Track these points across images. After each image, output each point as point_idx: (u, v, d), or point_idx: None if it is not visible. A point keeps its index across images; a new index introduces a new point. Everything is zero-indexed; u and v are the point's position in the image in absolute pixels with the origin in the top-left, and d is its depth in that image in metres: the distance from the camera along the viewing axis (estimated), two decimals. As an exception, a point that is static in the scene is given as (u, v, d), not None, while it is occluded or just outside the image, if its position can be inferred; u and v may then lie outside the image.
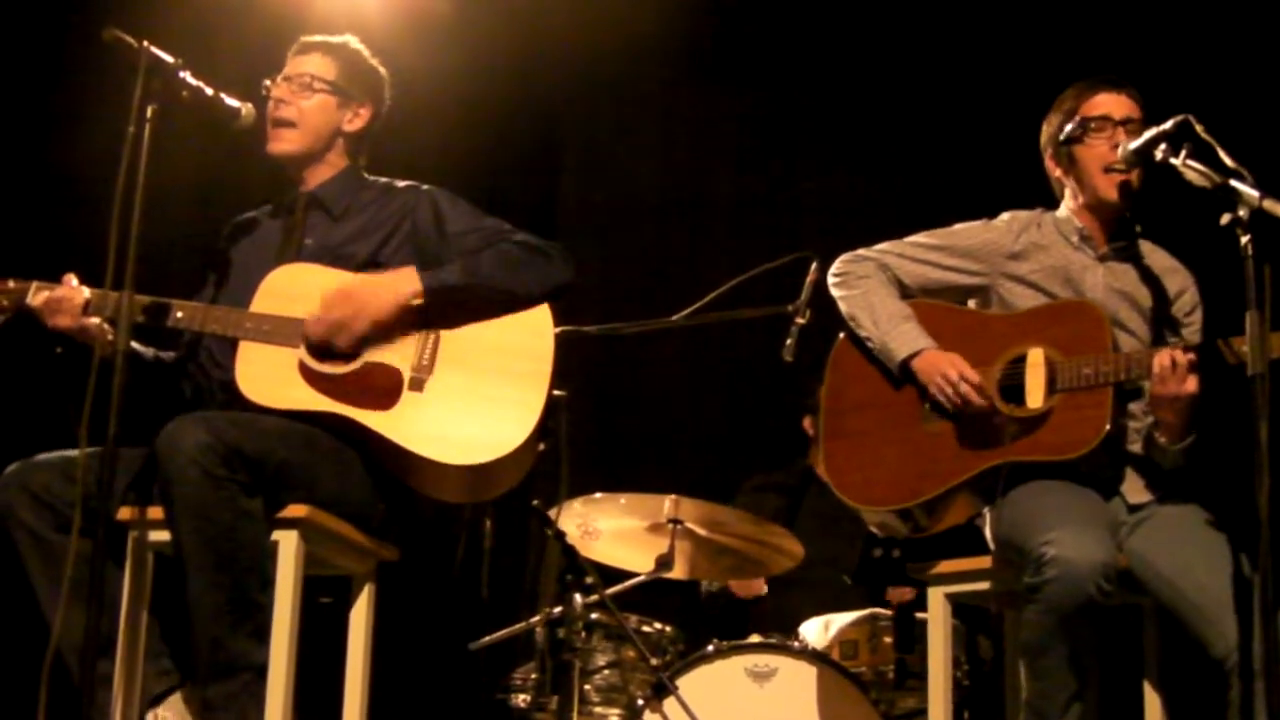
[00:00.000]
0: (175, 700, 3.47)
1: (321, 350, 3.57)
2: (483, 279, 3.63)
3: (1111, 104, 3.78)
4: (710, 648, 4.29)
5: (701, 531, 4.48)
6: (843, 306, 3.89)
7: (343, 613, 3.73)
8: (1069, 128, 3.79)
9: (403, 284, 3.60)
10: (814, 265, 3.87)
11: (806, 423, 5.47)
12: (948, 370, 3.67)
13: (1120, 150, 3.61)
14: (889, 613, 4.52)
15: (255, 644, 3.33)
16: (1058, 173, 3.89)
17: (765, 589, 5.22)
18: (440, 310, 3.61)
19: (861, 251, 3.93)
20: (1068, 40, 5.61)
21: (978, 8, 5.92)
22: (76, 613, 3.17)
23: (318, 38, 3.93)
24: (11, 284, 3.58)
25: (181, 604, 3.31)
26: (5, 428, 5.02)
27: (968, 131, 5.82)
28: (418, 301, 3.59)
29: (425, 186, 3.88)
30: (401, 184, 3.90)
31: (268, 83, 3.84)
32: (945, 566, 3.83)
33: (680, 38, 6.25)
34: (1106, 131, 3.75)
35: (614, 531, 4.51)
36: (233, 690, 3.29)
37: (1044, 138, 3.92)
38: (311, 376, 3.55)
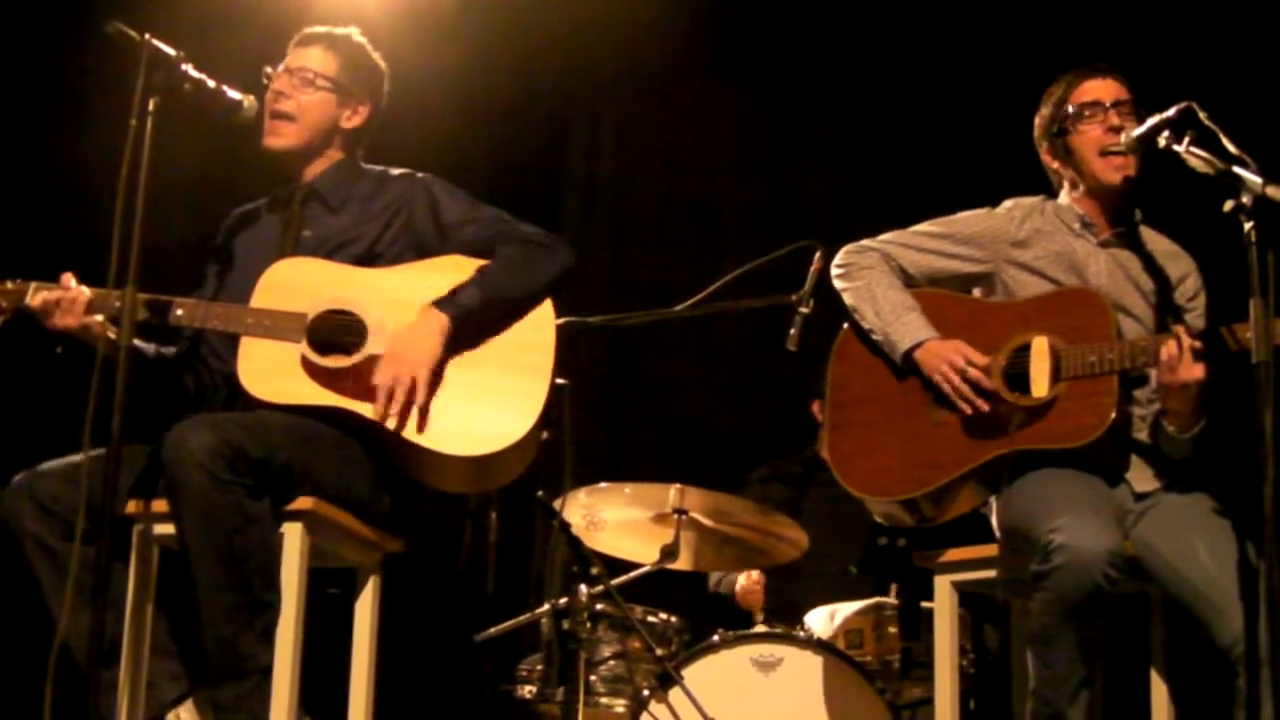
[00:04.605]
0: (190, 705, 3.48)
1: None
2: (498, 292, 3.62)
3: (1101, 89, 3.80)
4: (715, 638, 4.29)
5: (707, 521, 4.48)
6: (846, 298, 3.88)
7: (348, 605, 3.73)
8: (1061, 117, 3.80)
9: (434, 329, 3.55)
10: (817, 254, 3.87)
11: (815, 407, 5.46)
12: (953, 357, 3.67)
13: (1124, 136, 3.61)
14: (894, 602, 4.52)
15: (264, 645, 3.33)
16: (1055, 164, 3.90)
17: (763, 599, 5.23)
18: (463, 333, 3.60)
19: (865, 242, 3.93)
20: (1069, 30, 5.61)
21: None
22: (82, 618, 3.17)
23: (321, 29, 3.91)
24: (10, 285, 3.57)
25: (189, 605, 3.31)
26: (5, 428, 5.03)
27: (971, 122, 5.82)
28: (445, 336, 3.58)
29: (421, 175, 3.87)
30: (396, 172, 3.89)
31: (269, 70, 3.82)
32: (952, 555, 3.82)
33: (684, 33, 6.24)
34: (1099, 116, 3.77)
35: (619, 522, 4.51)
36: (243, 692, 3.29)
37: (1037, 131, 3.93)
38: (314, 371, 3.55)
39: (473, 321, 3.60)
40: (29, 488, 3.48)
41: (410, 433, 3.51)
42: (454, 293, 3.61)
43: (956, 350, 3.68)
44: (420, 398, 3.51)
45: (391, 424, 3.50)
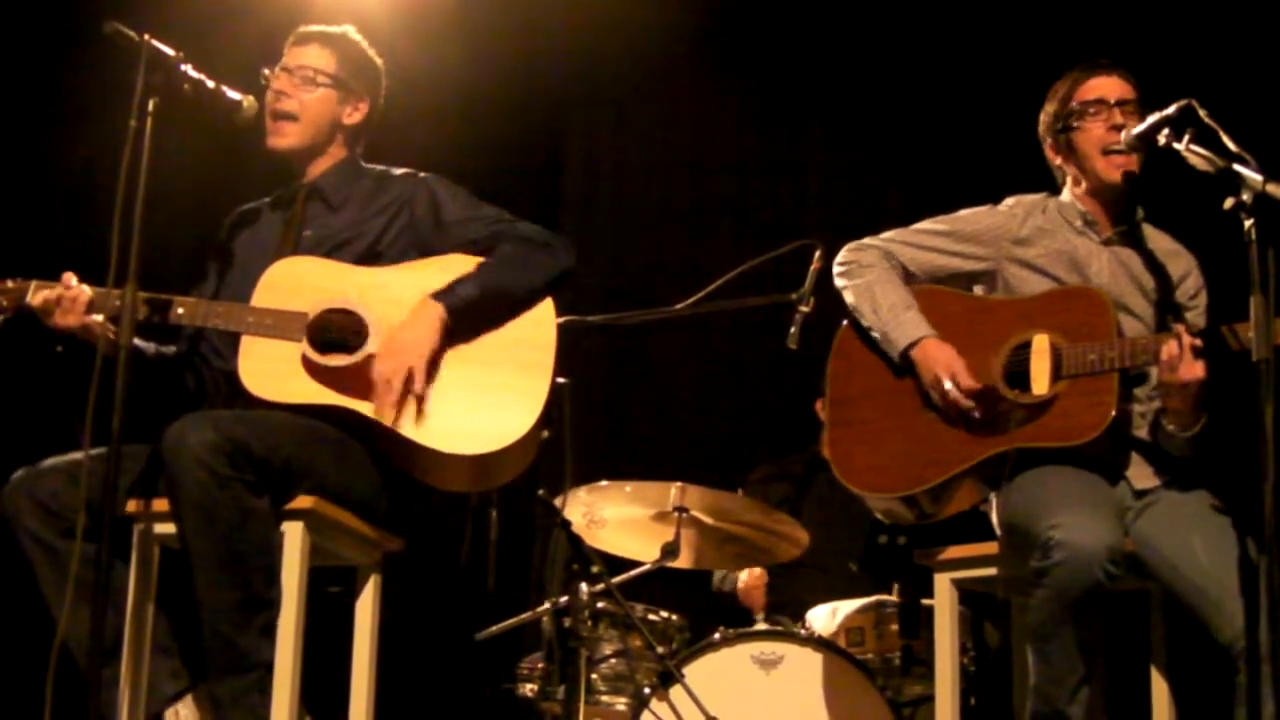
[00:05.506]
0: (190, 700, 3.48)
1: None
2: (496, 288, 3.63)
3: (1106, 86, 3.79)
4: (716, 635, 4.29)
5: (707, 520, 4.48)
6: (846, 296, 3.88)
7: (349, 604, 3.74)
8: (1065, 114, 3.80)
9: (430, 319, 3.56)
10: (818, 253, 3.87)
11: (818, 405, 5.45)
12: (939, 372, 3.67)
13: (1124, 134, 3.62)
14: (895, 599, 4.52)
15: (264, 641, 3.33)
16: (1058, 160, 3.90)
17: (763, 598, 5.24)
18: (459, 326, 3.61)
19: (866, 240, 3.93)
20: (1069, 26, 5.61)
21: (979, -3, 5.94)
22: (82, 615, 3.17)
23: (317, 28, 3.92)
24: (10, 284, 3.57)
25: (190, 601, 3.32)
26: (4, 427, 5.02)
27: (969, 122, 5.82)
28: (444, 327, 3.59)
29: (422, 175, 3.88)
30: (398, 172, 3.90)
31: (266, 72, 3.83)
32: (952, 552, 3.83)
33: (684, 33, 6.24)
34: (1103, 114, 3.77)
35: (620, 520, 4.51)
36: (243, 687, 3.29)
37: (1042, 126, 3.93)
38: (315, 370, 3.55)
39: (470, 314, 3.60)
40: (29, 485, 3.48)
41: (410, 428, 3.51)
42: (452, 285, 3.62)
43: (948, 365, 3.67)
44: (418, 388, 3.51)
45: (389, 417, 3.50)
